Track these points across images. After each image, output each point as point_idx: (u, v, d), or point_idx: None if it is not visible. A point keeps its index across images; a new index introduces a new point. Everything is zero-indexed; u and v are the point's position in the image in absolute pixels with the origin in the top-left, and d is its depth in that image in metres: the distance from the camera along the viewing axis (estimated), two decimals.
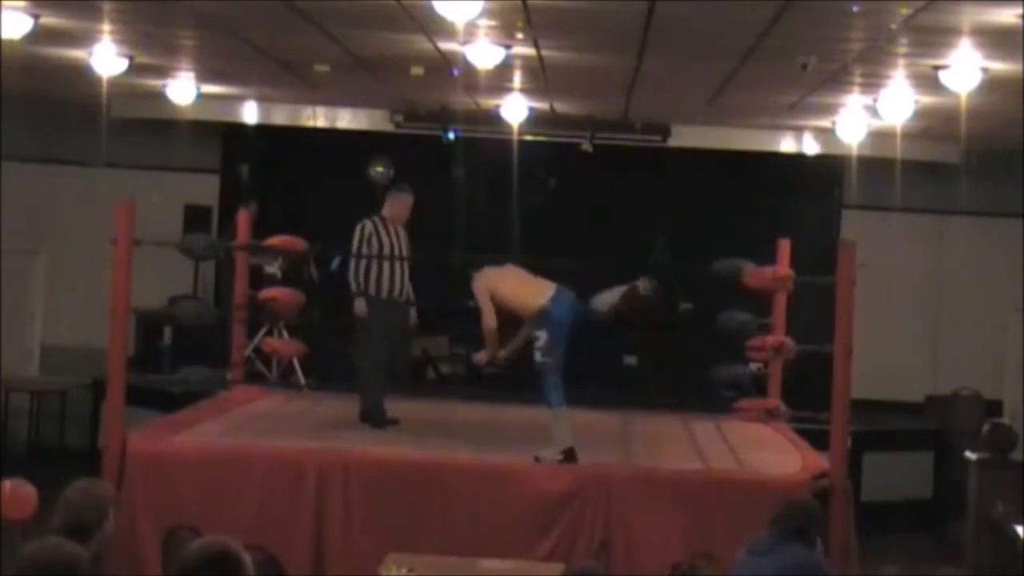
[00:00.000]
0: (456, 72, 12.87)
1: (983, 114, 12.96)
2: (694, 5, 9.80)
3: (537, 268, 10.57)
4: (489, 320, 10.03)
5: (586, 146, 16.38)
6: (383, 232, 11.18)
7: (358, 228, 11.19)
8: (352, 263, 11.24)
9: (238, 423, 11.06)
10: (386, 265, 11.12)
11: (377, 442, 10.20)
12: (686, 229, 15.92)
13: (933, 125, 14.46)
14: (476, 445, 10.39)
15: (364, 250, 11.11)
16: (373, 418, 11.08)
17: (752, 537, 7.14)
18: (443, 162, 16.65)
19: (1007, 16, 9.28)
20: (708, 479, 9.52)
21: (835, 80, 12.46)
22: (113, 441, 9.39)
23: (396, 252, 11.13)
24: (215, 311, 11.80)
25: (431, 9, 9.81)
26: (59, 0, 10.85)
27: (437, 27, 10.74)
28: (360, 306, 11.15)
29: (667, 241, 16.09)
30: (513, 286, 10.10)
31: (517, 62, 12.47)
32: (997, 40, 10.10)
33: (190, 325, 11.70)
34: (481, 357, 10.44)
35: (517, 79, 13.72)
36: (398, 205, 11.33)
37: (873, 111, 13.80)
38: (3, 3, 10.78)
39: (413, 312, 11.54)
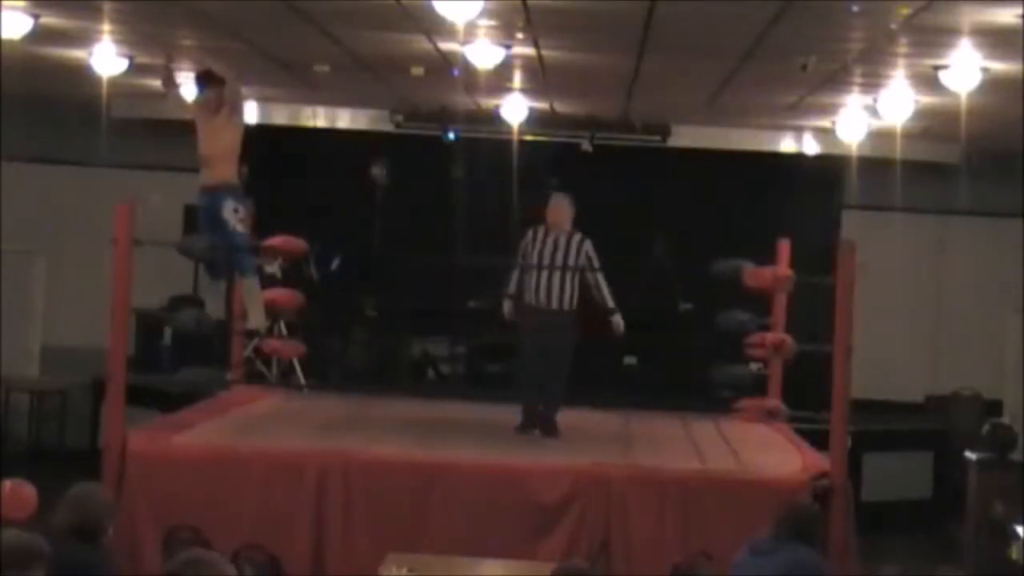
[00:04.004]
0: (456, 72, 12.88)
1: (983, 114, 12.96)
2: (694, 5, 9.80)
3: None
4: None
5: (586, 146, 16.39)
6: (539, 240, 11.05)
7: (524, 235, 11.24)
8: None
9: (238, 423, 11.05)
10: (537, 272, 11.00)
11: (377, 442, 10.19)
12: (686, 229, 15.91)
13: (933, 125, 14.46)
14: (476, 445, 10.39)
15: (520, 259, 11.12)
16: (542, 420, 10.98)
17: (752, 537, 7.16)
18: (443, 162, 16.64)
19: (1007, 16, 9.29)
20: (708, 479, 9.51)
21: (835, 80, 12.46)
22: (113, 441, 9.39)
23: (547, 260, 10.96)
24: (213, 321, 11.77)
25: (431, 9, 9.81)
26: (59, 0, 10.86)
27: (437, 27, 10.75)
28: (507, 309, 11.24)
29: (667, 241, 16.07)
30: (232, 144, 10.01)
31: (517, 62, 12.48)
32: (997, 40, 10.11)
33: (190, 332, 11.70)
34: None
35: (517, 79, 13.72)
36: (552, 211, 11.15)
37: (873, 111, 13.80)
38: (3, 3, 10.78)
39: (617, 318, 11.25)
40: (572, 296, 11.00)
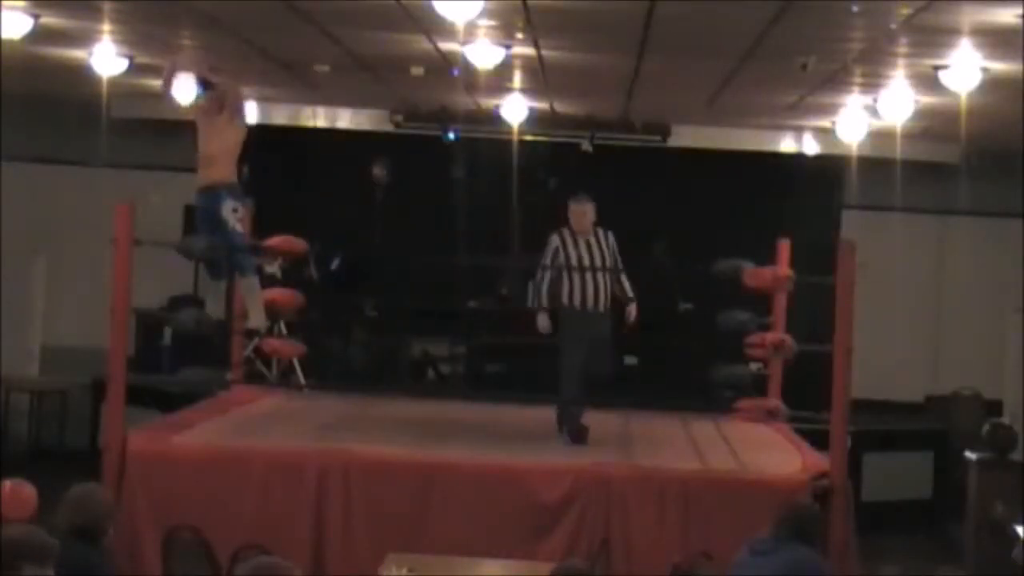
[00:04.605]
0: (456, 72, 12.88)
1: (983, 114, 12.96)
2: (694, 5, 9.80)
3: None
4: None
5: (586, 146, 16.39)
6: (570, 243, 10.90)
7: (548, 241, 11.00)
8: (537, 277, 11.09)
9: (238, 423, 11.06)
10: (576, 276, 10.84)
11: (377, 442, 10.20)
12: (686, 229, 15.91)
13: (933, 125, 14.46)
14: (476, 445, 10.39)
15: (547, 264, 10.91)
16: (569, 426, 10.83)
17: (752, 537, 7.16)
18: (443, 162, 16.64)
19: (1007, 16, 9.29)
20: (708, 479, 9.51)
21: (835, 80, 12.46)
22: (113, 441, 9.39)
23: (585, 263, 10.82)
24: (213, 321, 11.75)
25: (431, 9, 9.81)
26: (59, 0, 10.86)
27: (437, 27, 10.74)
28: (543, 321, 10.96)
29: (667, 241, 16.08)
30: (233, 144, 10.01)
31: (517, 62, 12.48)
32: (997, 40, 10.10)
33: (189, 332, 11.69)
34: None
35: (517, 79, 13.72)
36: (578, 217, 10.96)
37: (873, 111, 13.80)
38: (3, 3, 10.78)
39: (632, 308, 11.14)
40: (610, 296, 10.97)
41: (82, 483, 6.73)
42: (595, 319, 10.86)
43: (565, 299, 10.86)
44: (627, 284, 11.13)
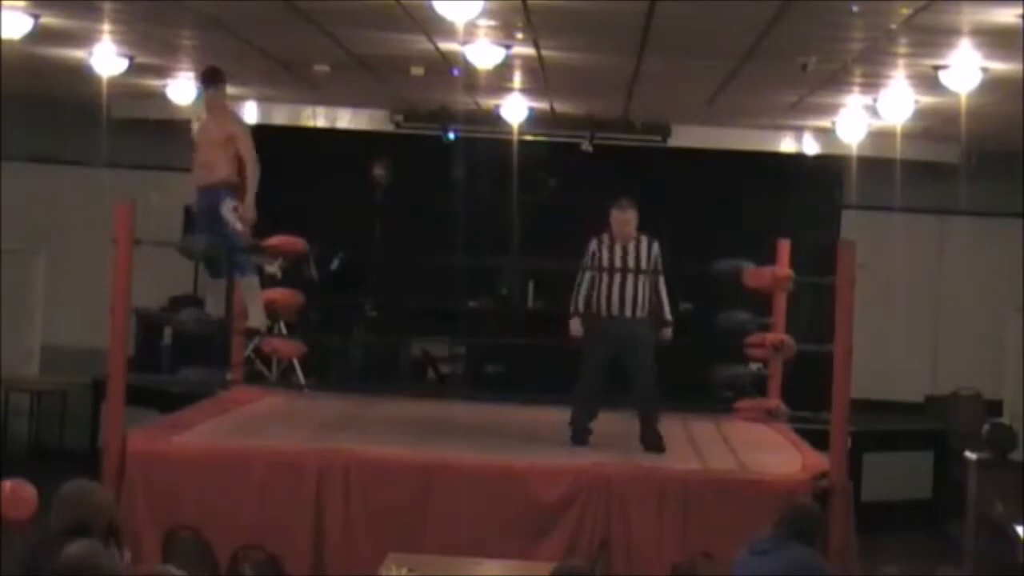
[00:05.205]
0: (456, 72, 12.88)
1: (983, 114, 12.97)
2: (694, 5, 9.81)
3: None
4: None
5: (586, 146, 16.39)
6: (605, 249, 10.64)
7: (587, 246, 10.75)
8: (576, 281, 10.82)
9: (238, 423, 11.05)
10: (605, 281, 10.59)
11: (377, 442, 10.20)
12: (686, 229, 15.89)
13: (933, 125, 14.47)
14: (476, 445, 10.39)
15: (585, 270, 10.68)
16: (574, 431, 10.72)
17: (752, 537, 7.16)
18: (443, 162, 16.64)
19: (1007, 16, 9.29)
20: (708, 479, 9.52)
21: (835, 80, 12.47)
22: (113, 441, 9.39)
23: (619, 268, 10.59)
24: (213, 321, 11.74)
25: (431, 9, 9.82)
26: (59, 0, 10.86)
27: (437, 27, 10.75)
28: (574, 327, 10.71)
29: (667, 241, 16.06)
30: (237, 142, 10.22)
31: (517, 62, 12.48)
32: (997, 40, 10.11)
33: (190, 332, 11.69)
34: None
35: (517, 79, 13.73)
36: (615, 221, 10.71)
37: (873, 111, 13.81)
38: (3, 3, 10.79)
39: (668, 331, 10.88)
40: (647, 302, 10.67)
41: (74, 480, 6.68)
42: (622, 324, 10.57)
43: (592, 304, 10.71)
44: (666, 303, 10.80)
